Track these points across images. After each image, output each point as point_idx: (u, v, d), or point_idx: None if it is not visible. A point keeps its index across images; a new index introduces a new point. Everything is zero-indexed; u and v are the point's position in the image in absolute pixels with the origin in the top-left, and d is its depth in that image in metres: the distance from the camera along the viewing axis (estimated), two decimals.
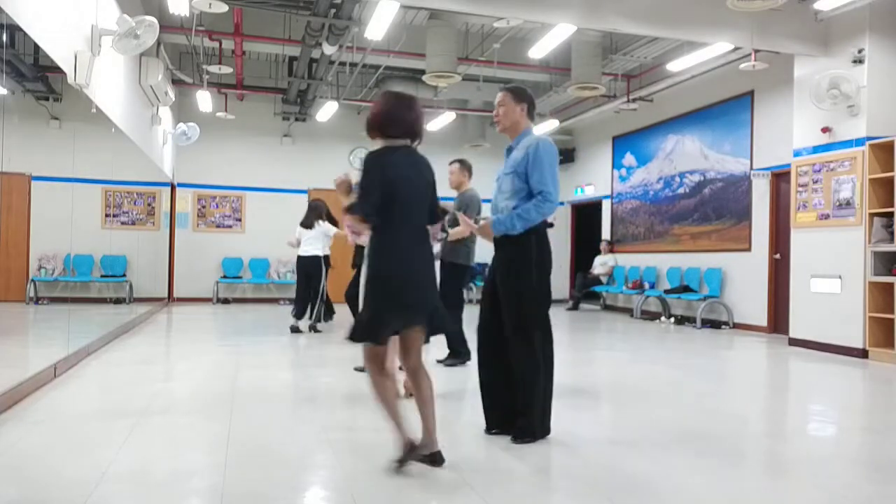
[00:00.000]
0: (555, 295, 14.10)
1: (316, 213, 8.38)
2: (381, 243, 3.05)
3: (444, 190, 5.97)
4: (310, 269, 8.26)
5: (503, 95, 3.71)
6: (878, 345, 6.96)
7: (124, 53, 6.34)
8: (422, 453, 3.06)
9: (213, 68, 9.72)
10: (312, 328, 8.22)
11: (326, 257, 8.42)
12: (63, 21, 5.13)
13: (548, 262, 3.63)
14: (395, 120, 3.08)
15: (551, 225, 3.68)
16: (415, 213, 3.09)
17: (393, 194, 2.98)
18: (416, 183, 3.09)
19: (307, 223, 8.33)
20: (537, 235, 3.57)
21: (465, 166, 5.93)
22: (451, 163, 6.00)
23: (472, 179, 6.06)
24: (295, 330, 8.16)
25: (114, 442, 3.38)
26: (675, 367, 6.54)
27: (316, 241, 8.26)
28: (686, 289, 10.56)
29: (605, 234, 13.38)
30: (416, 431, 3.06)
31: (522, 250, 3.55)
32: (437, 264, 6.69)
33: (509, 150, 3.73)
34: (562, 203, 14.80)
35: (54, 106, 6.35)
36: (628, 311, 12.06)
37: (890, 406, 5.22)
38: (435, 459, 3.06)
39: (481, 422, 3.76)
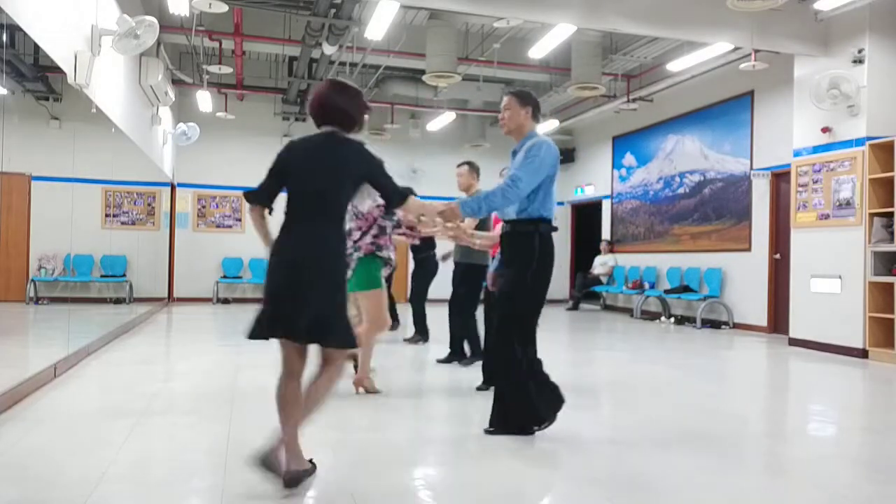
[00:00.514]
0: (555, 295, 14.03)
1: None
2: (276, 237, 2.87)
3: (453, 191, 5.97)
4: None
5: (508, 99, 3.77)
6: (878, 345, 6.96)
7: (124, 53, 6.33)
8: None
9: (213, 68, 9.72)
10: None
11: None
12: (63, 21, 5.13)
13: (548, 265, 3.64)
14: (319, 106, 2.92)
15: (555, 228, 3.70)
16: (306, 204, 2.81)
17: (284, 184, 2.87)
18: (314, 172, 2.81)
19: None
20: (540, 237, 3.60)
21: (474, 168, 5.92)
22: (459, 165, 5.99)
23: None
24: None
25: (114, 442, 3.38)
26: (675, 367, 6.53)
27: None
28: (686, 289, 10.56)
29: (605, 234, 13.38)
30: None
31: (523, 250, 3.59)
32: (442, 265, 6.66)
33: (514, 154, 3.76)
34: (561, 203, 14.80)
35: (54, 106, 6.35)
36: (628, 311, 12.06)
37: (890, 406, 5.22)
38: (286, 480, 2.69)
39: (482, 421, 3.76)
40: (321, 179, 2.82)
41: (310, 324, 2.70)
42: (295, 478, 2.70)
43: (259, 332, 2.79)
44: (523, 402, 3.60)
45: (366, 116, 3.02)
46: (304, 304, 2.70)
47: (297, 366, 2.84)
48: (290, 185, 2.88)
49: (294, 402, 2.77)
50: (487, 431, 3.64)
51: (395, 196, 2.96)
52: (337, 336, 2.78)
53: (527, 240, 3.58)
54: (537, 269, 3.58)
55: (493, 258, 5.71)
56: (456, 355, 6.04)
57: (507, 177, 3.55)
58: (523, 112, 3.72)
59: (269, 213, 2.94)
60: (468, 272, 5.88)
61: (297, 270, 2.73)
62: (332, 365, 2.86)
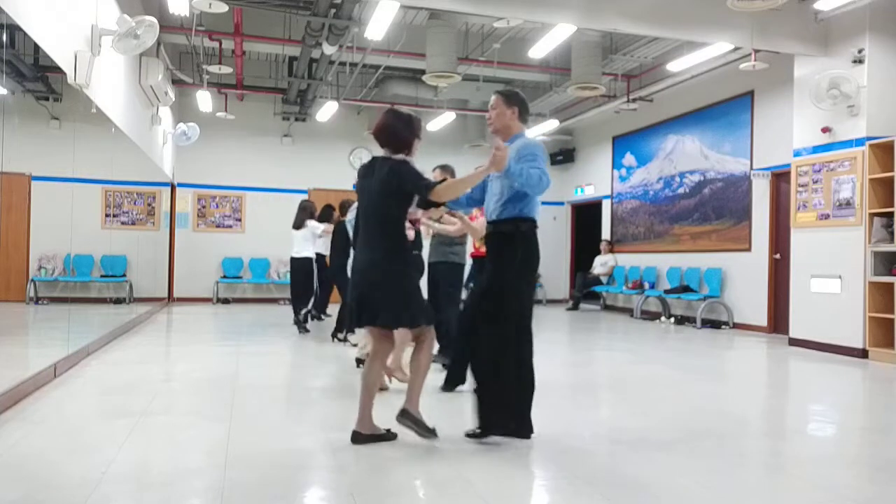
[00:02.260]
0: (555, 295, 14.06)
1: (305, 213, 8.38)
2: None
3: None
4: (301, 270, 8.34)
5: (495, 99, 3.81)
6: (878, 345, 6.96)
7: (124, 53, 6.33)
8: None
9: (213, 68, 9.72)
10: (301, 327, 8.26)
11: (321, 256, 8.45)
12: (63, 21, 5.13)
13: (534, 262, 3.65)
14: (378, 131, 3.52)
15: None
16: (365, 217, 3.51)
17: None
18: (367, 190, 3.48)
19: (296, 224, 8.35)
20: (528, 236, 3.63)
21: (447, 170, 5.96)
22: (433, 169, 6.00)
23: None
24: (299, 324, 8.27)
25: (114, 442, 3.38)
26: (675, 367, 6.53)
27: (305, 242, 8.28)
28: (686, 289, 10.56)
29: (605, 234, 13.38)
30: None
31: (513, 248, 3.60)
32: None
33: None
34: (561, 203, 14.80)
35: (54, 106, 6.34)
36: (628, 311, 12.06)
37: (890, 406, 5.22)
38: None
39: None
40: (368, 196, 3.48)
41: (374, 313, 3.37)
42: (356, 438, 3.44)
43: (350, 323, 3.67)
44: (527, 404, 3.59)
45: (418, 139, 3.54)
46: (367, 301, 3.39)
47: (377, 348, 3.60)
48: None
49: (367, 376, 3.55)
50: (473, 435, 3.58)
51: (421, 196, 3.40)
52: (403, 320, 3.41)
53: (516, 238, 3.60)
54: (527, 266, 3.62)
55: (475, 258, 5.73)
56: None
57: (536, 168, 3.46)
58: (509, 112, 3.74)
59: None
60: (452, 271, 5.90)
61: (359, 279, 3.45)
62: (421, 342, 3.51)
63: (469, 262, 6.21)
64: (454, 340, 5.99)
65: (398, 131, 3.49)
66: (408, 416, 3.45)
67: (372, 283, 3.38)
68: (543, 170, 3.52)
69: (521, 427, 3.58)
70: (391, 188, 3.37)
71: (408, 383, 3.57)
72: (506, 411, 3.56)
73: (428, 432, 3.46)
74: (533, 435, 3.60)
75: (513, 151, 3.64)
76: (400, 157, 3.45)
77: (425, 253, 6.09)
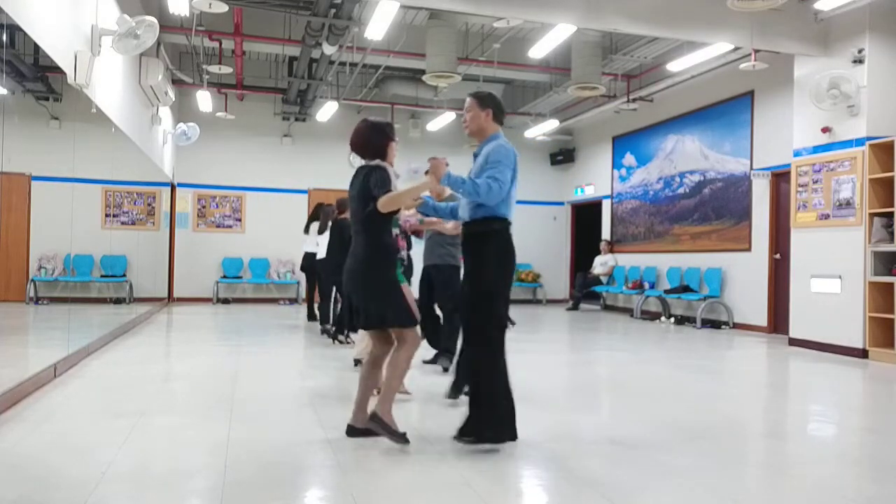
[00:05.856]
0: (555, 295, 14.02)
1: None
2: None
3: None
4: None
5: (469, 101, 3.79)
6: (878, 345, 6.96)
7: (124, 53, 6.34)
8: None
9: (213, 68, 9.72)
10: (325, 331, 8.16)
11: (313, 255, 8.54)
12: (63, 21, 5.13)
13: (510, 262, 3.60)
14: (354, 144, 3.63)
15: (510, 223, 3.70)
16: (353, 223, 3.65)
17: None
18: (352, 197, 3.62)
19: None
20: (500, 235, 3.58)
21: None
22: (428, 159, 5.95)
23: None
24: (325, 332, 8.04)
25: (114, 442, 3.38)
26: (675, 367, 6.53)
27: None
28: (686, 289, 10.56)
29: (605, 234, 13.38)
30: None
31: (485, 247, 3.55)
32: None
33: (476, 156, 3.78)
34: (561, 203, 14.81)
35: (54, 106, 6.33)
36: (628, 311, 12.06)
37: (890, 406, 5.23)
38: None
39: None
40: (353, 202, 3.63)
41: (362, 315, 3.48)
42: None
43: (349, 324, 3.67)
44: (504, 409, 3.48)
45: (392, 144, 3.64)
46: (357, 301, 3.50)
47: (375, 349, 3.66)
48: None
49: (366, 376, 3.65)
50: (457, 439, 3.45)
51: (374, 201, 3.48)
52: (387, 319, 3.47)
53: (488, 238, 3.56)
54: (499, 264, 3.55)
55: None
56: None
57: (487, 176, 3.48)
58: (483, 114, 3.72)
59: None
60: (453, 273, 5.85)
61: (346, 280, 3.57)
62: (401, 343, 3.51)
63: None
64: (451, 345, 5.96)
65: (370, 139, 3.60)
66: (376, 421, 3.40)
67: (357, 285, 3.49)
68: (496, 178, 3.47)
69: (498, 433, 3.45)
70: (366, 192, 3.49)
71: (383, 384, 3.51)
72: (485, 418, 3.44)
73: (398, 437, 3.39)
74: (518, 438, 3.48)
75: (483, 156, 3.64)
76: (375, 162, 3.54)
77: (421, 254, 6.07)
